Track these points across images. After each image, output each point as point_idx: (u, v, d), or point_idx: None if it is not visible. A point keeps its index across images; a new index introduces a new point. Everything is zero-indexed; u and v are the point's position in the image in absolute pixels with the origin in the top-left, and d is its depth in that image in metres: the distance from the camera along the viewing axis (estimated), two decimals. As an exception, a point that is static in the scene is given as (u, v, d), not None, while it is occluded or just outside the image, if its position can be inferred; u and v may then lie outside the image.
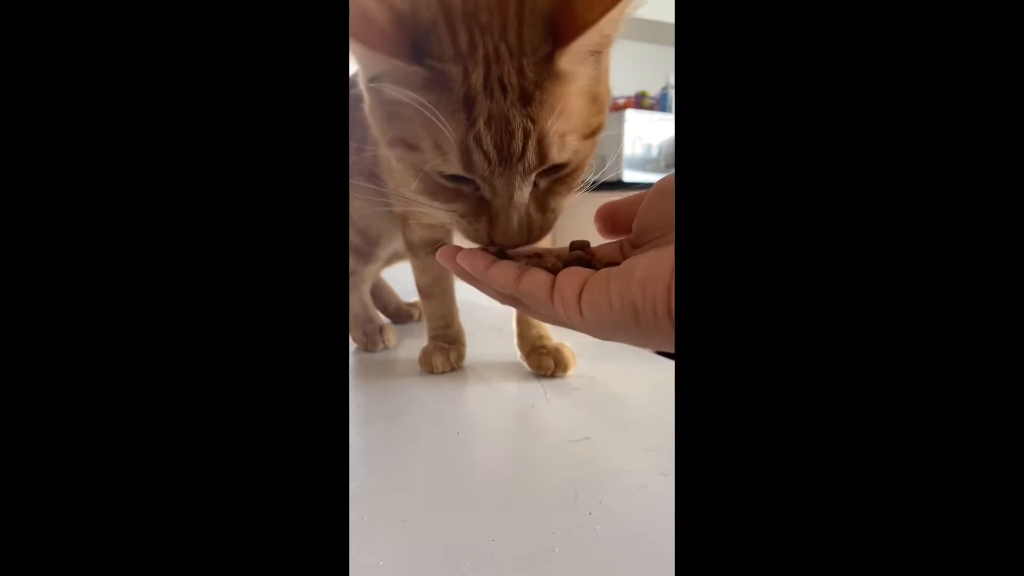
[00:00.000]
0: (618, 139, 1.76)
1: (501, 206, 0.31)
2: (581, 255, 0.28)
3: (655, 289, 0.20)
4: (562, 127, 0.29)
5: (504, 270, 0.27)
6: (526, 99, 0.28)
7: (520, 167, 0.29)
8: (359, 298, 0.62)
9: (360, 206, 0.57)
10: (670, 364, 0.55)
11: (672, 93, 2.02)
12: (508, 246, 0.32)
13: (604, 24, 0.29)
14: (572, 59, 0.29)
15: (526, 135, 0.29)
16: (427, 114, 0.29)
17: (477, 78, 0.28)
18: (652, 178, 1.80)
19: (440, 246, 0.40)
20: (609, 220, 0.30)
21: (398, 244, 0.61)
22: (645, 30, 2.13)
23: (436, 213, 0.35)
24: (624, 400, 0.47)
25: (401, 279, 0.81)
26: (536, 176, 0.31)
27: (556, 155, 0.30)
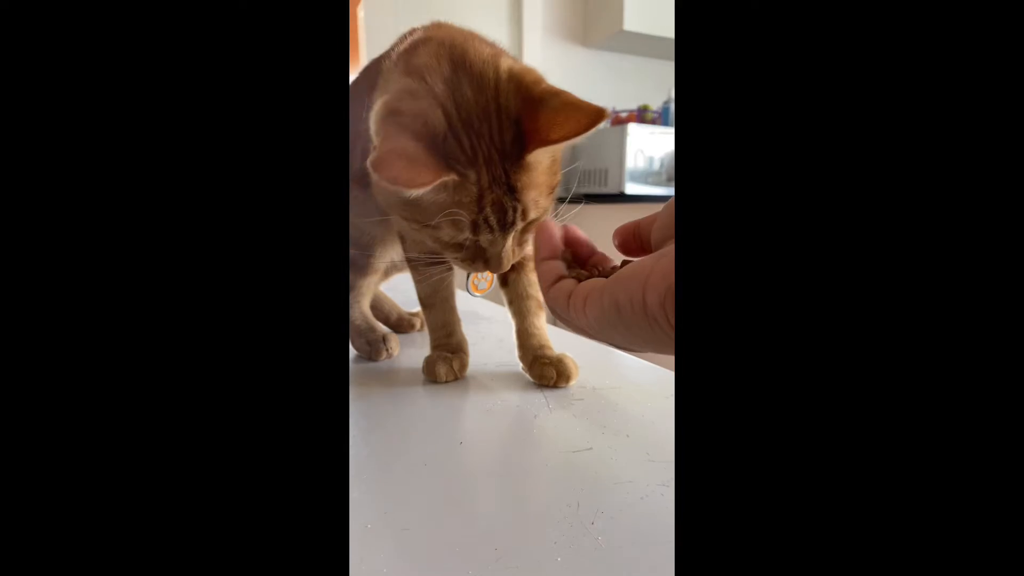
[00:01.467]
0: (620, 152, 1.77)
1: (496, 253, 0.43)
2: (617, 268, 0.30)
3: (633, 286, 0.21)
4: (535, 196, 0.42)
5: (543, 281, 0.33)
6: (512, 189, 0.40)
7: (511, 230, 0.42)
8: (360, 311, 0.62)
9: (355, 216, 0.57)
10: (672, 375, 0.55)
11: (673, 107, 2.04)
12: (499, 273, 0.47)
13: (562, 144, 0.39)
14: (537, 156, 0.40)
15: (514, 211, 0.41)
16: (449, 205, 0.39)
17: (484, 179, 0.39)
18: (654, 191, 1.80)
19: (442, 260, 0.47)
20: (628, 238, 0.33)
21: (394, 254, 0.61)
22: (647, 45, 2.16)
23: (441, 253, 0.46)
24: (626, 411, 0.47)
25: (402, 288, 0.82)
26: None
27: (533, 215, 0.42)
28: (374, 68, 0.54)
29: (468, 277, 0.54)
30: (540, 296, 0.55)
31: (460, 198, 0.39)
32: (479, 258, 0.44)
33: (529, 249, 0.47)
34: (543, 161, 0.41)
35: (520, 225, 0.42)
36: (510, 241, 0.43)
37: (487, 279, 0.56)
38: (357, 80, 0.53)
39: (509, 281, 0.55)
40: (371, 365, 0.58)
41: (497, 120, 0.39)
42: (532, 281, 0.55)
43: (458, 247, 0.44)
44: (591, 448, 0.40)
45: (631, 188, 1.78)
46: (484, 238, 0.42)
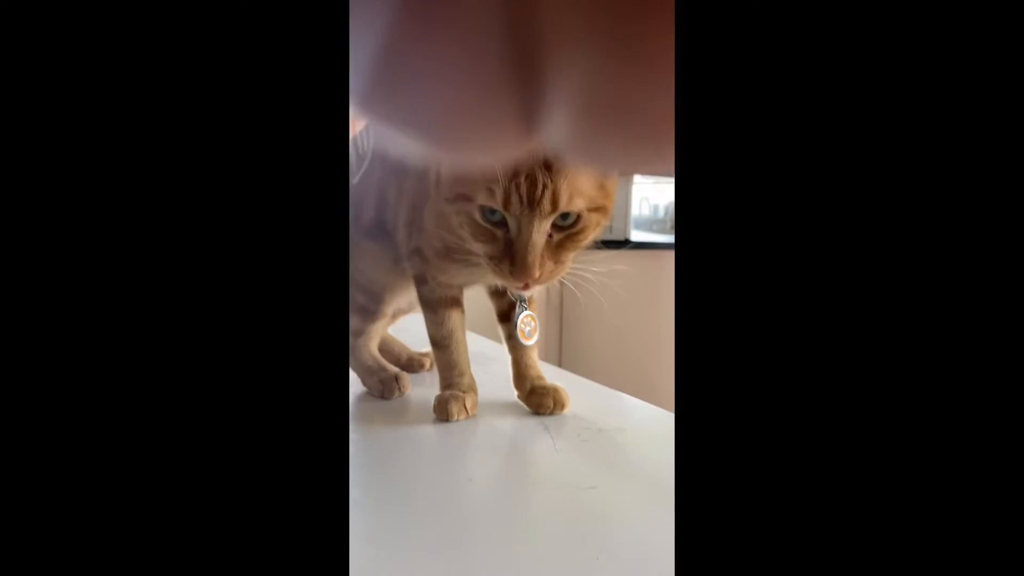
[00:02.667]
0: (626, 200, 1.82)
1: (522, 244, 0.44)
2: None
3: None
4: (570, 188, 0.43)
5: None
6: (548, 165, 0.43)
7: (539, 210, 0.43)
8: (368, 353, 0.65)
9: (365, 266, 0.61)
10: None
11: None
12: (523, 280, 0.44)
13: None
14: None
15: (545, 187, 0.43)
16: (489, 166, 0.41)
17: None
18: (658, 238, 1.84)
19: (456, 303, 0.49)
20: None
21: (402, 300, 0.65)
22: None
23: (472, 253, 0.48)
24: (630, 452, 0.48)
25: (412, 329, 0.84)
26: (552, 228, 0.45)
27: (563, 205, 0.44)
28: None
29: (517, 325, 0.56)
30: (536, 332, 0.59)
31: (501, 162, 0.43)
32: (507, 255, 0.45)
33: (559, 271, 0.47)
34: None
35: (548, 210, 0.43)
36: (540, 234, 0.44)
37: (533, 327, 0.58)
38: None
39: (511, 318, 0.58)
40: (383, 403, 0.60)
41: None
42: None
43: (490, 236, 0.45)
44: (596, 487, 0.41)
45: (636, 235, 1.82)
46: (513, 212, 0.43)
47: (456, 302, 0.57)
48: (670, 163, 0.13)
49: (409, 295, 0.64)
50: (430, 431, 0.52)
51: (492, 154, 0.13)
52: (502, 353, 0.85)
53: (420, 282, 0.57)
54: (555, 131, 0.11)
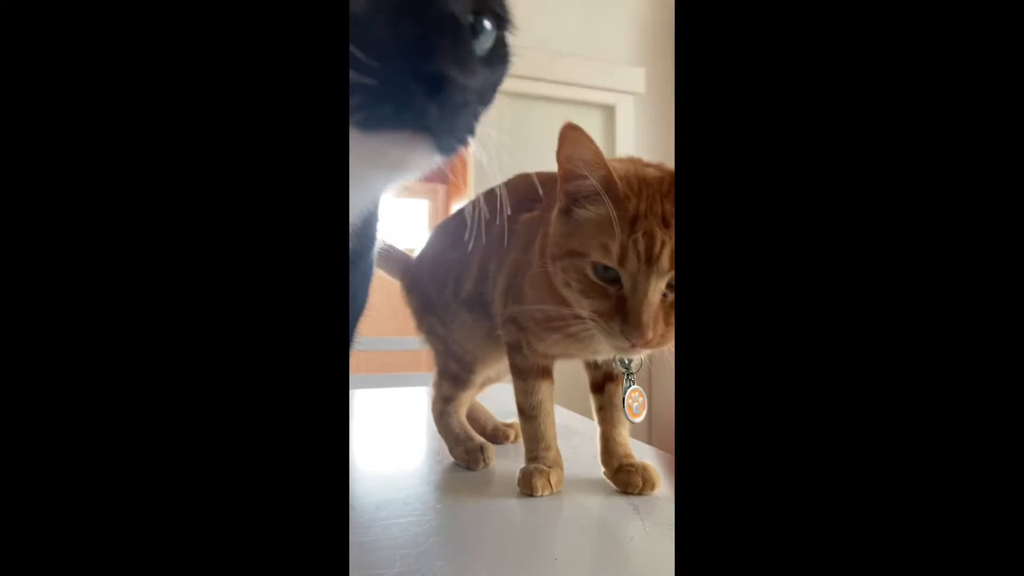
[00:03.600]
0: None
1: (637, 302, 0.43)
2: None
3: None
4: None
5: None
6: (666, 223, 0.43)
7: (656, 268, 0.43)
8: (457, 420, 0.66)
9: (460, 336, 0.63)
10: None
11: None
12: (635, 341, 0.43)
13: None
14: None
15: (663, 245, 0.43)
16: (605, 222, 0.44)
17: (642, 206, 0.44)
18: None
19: (547, 374, 0.49)
20: None
21: (491, 370, 0.66)
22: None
23: (575, 317, 0.48)
24: (728, 541, 0.45)
25: (498, 398, 0.84)
26: (666, 287, 0.44)
27: None
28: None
29: (624, 401, 0.55)
30: None
31: (620, 213, 0.44)
32: (618, 312, 0.44)
33: (671, 335, 0.45)
34: None
35: (666, 267, 0.43)
36: (656, 292, 0.43)
37: (642, 403, 0.56)
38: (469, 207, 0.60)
39: (605, 389, 0.57)
40: (468, 474, 0.60)
41: (660, 182, 0.46)
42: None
43: (602, 293, 0.45)
44: (691, 577, 0.39)
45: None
46: (629, 269, 0.43)
47: (547, 372, 0.58)
48: None
49: (499, 366, 0.66)
50: (514, 505, 0.52)
51: None
52: (586, 427, 0.83)
53: (514, 350, 0.58)
54: None
